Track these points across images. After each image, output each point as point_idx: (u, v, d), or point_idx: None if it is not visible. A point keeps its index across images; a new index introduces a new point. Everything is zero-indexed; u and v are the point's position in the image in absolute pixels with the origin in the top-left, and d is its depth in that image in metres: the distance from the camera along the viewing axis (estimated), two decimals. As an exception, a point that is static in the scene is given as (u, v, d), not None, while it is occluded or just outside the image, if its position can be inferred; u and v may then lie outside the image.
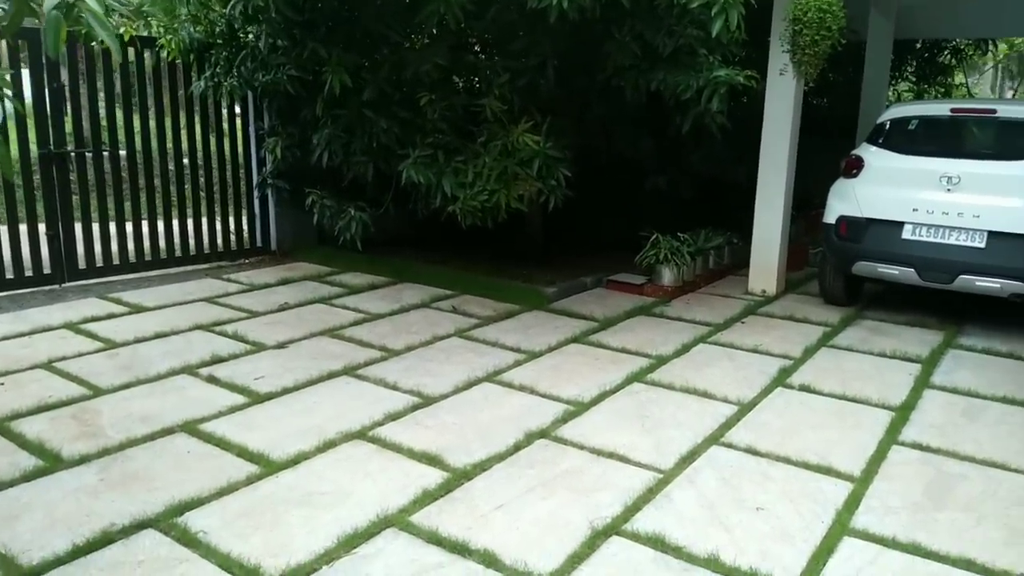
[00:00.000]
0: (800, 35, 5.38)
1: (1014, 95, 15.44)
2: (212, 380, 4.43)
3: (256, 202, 7.74)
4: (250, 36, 6.56)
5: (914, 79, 11.31)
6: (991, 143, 5.80)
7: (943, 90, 11.33)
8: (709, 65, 5.24)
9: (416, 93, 5.91)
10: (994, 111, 5.71)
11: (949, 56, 10.83)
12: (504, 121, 5.84)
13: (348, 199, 6.65)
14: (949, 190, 5.59)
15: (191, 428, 3.79)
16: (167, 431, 3.77)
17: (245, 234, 7.72)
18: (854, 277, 6.25)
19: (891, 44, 9.33)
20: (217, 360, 4.76)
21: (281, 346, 5.07)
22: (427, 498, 3.15)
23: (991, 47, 10.72)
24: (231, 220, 7.58)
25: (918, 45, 10.88)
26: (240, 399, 4.16)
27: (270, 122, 7.40)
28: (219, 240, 7.50)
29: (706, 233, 7.45)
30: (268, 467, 3.38)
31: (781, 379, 4.73)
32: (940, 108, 6.06)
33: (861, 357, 5.21)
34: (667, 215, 8.41)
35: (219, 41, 6.71)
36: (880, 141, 6.17)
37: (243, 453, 3.51)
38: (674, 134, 7.36)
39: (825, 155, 8.18)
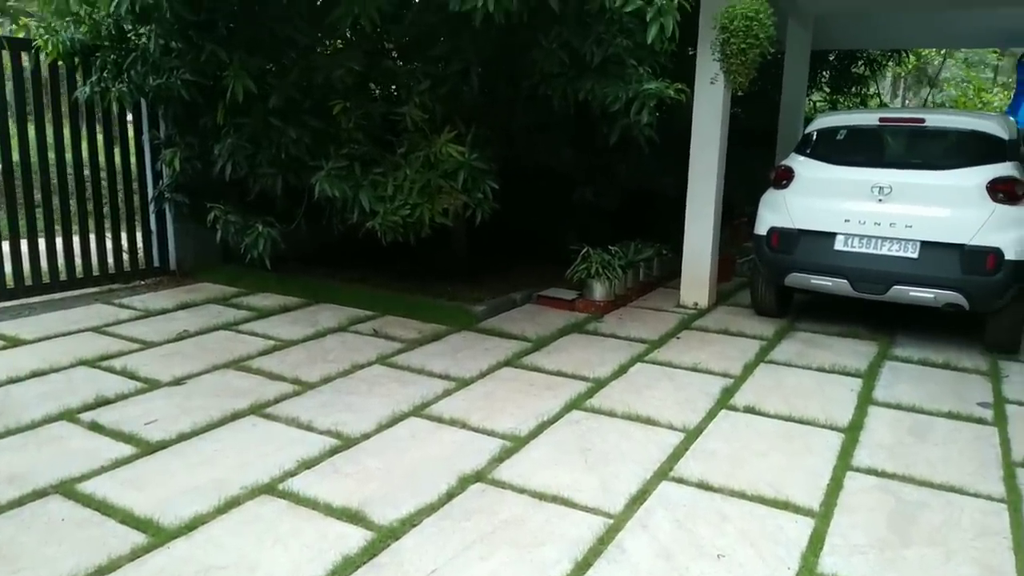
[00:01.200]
0: (728, 44, 5.21)
1: (905, 103, 15.96)
2: (95, 427, 3.85)
3: (152, 218, 7.09)
4: (142, 38, 5.95)
5: (828, 89, 11.52)
6: (921, 153, 5.78)
7: (859, 99, 11.60)
8: (639, 76, 5.00)
9: (329, 101, 5.45)
10: (923, 120, 5.69)
11: (864, 66, 11.07)
12: (426, 131, 5.46)
13: (255, 214, 6.11)
14: (881, 200, 5.52)
15: (68, 489, 3.24)
16: (39, 494, 3.20)
17: (140, 253, 7.05)
18: (786, 288, 6.14)
19: (808, 54, 9.42)
20: (103, 402, 4.18)
21: (178, 382, 4.52)
22: (348, 566, 2.72)
23: (904, 57, 11.02)
24: (124, 238, 6.90)
25: (832, 56, 11.08)
26: (127, 450, 3.61)
27: (167, 131, 6.78)
28: (110, 260, 6.81)
29: (636, 245, 7.24)
30: (157, 536, 2.88)
31: (724, 400, 4.50)
32: (868, 118, 6.01)
33: (800, 372, 5.05)
34: (595, 226, 8.20)
35: (106, 43, 6.07)
36: (808, 151, 6.09)
37: (128, 519, 2.99)
38: (601, 144, 7.14)
39: (747, 164, 8.14)
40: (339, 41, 5.51)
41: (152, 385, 4.48)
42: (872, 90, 12.00)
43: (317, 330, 5.63)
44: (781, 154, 9.60)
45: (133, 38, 6.14)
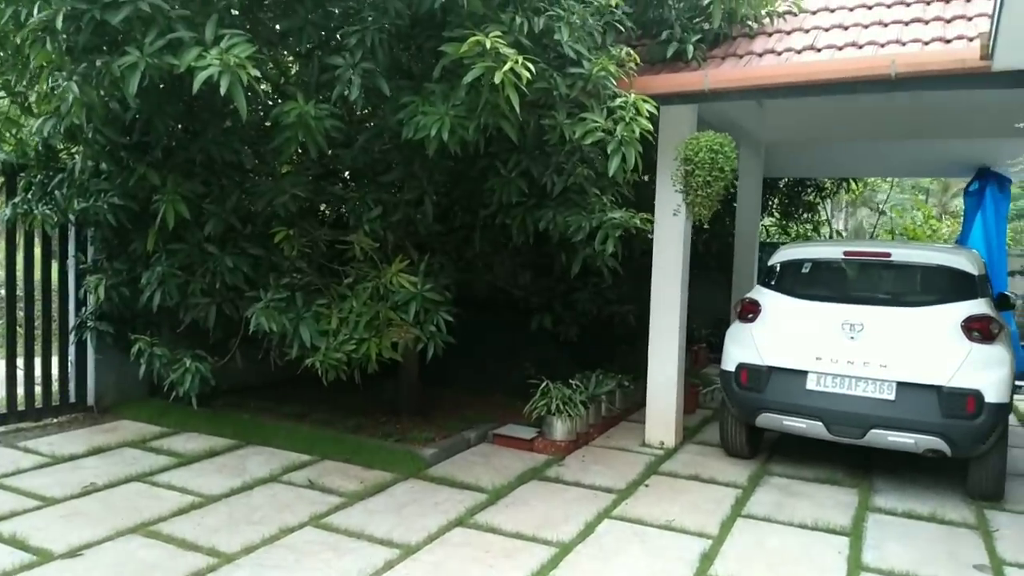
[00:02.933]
0: (692, 176, 5.05)
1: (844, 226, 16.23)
2: (-45, 626, 3.17)
3: (72, 348, 6.47)
4: (74, 158, 5.56)
5: (779, 215, 11.67)
6: (889, 288, 5.60)
7: (811, 226, 11.76)
8: (602, 205, 4.77)
9: (271, 227, 5.07)
10: (888, 254, 5.54)
11: (813, 193, 11.27)
12: (376, 260, 5.09)
13: (186, 346, 5.57)
14: (852, 338, 5.27)
15: None
16: None
17: (56, 386, 6.38)
18: (757, 427, 5.77)
19: (761, 181, 9.49)
20: (-26, 585, 3.49)
21: (73, 554, 3.84)
22: None
23: (852, 184, 11.28)
24: (38, 369, 6.24)
25: (782, 183, 11.27)
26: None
27: (94, 256, 6.28)
28: (19, 394, 6.12)
29: (597, 377, 6.85)
30: None
31: (704, 570, 4.00)
32: (832, 250, 5.87)
33: (782, 530, 4.59)
34: (554, 355, 7.83)
35: (32, 163, 5.66)
36: (773, 284, 5.88)
37: None
38: (560, 271, 6.88)
39: (704, 289, 7.97)
40: (284, 165, 5.19)
41: (42, 558, 3.80)
42: (824, 216, 12.22)
43: (244, 481, 5.00)
44: (738, 279, 9.52)
45: (64, 157, 5.75)
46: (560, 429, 6.08)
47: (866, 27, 5.42)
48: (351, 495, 4.85)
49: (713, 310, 9.80)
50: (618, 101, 4.28)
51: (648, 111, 4.29)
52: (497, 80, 3.60)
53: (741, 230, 9.50)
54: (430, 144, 4.10)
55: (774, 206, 11.49)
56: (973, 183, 9.27)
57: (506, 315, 7.80)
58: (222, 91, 3.53)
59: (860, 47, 5.13)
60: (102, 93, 4.33)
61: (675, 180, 5.16)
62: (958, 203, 16.21)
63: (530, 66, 3.72)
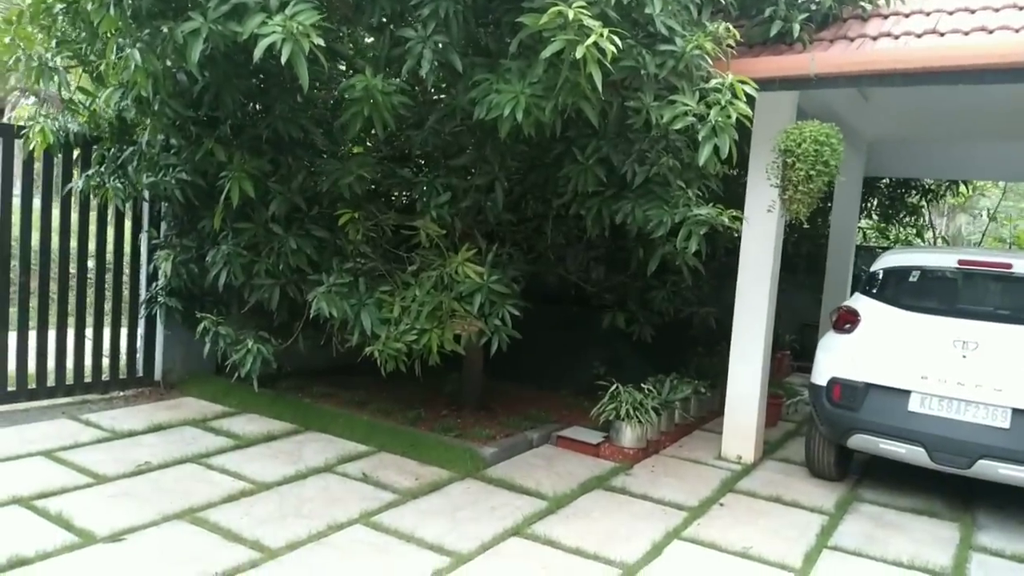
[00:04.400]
0: (793, 169, 4.56)
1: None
2: (-13, 607, 3.07)
3: (142, 323, 6.47)
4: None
5: (878, 217, 10.89)
6: (1010, 303, 4.99)
7: (915, 230, 10.93)
8: (686, 200, 4.35)
9: (336, 209, 4.87)
10: (1009, 265, 4.93)
11: (918, 196, 10.45)
12: (442, 247, 4.82)
13: (251, 327, 5.46)
14: (964, 356, 4.71)
15: None
16: None
17: (124, 361, 6.40)
18: (847, 448, 5.27)
19: (861, 180, 8.82)
20: (18, 563, 3.40)
21: (115, 538, 3.73)
22: None
23: (961, 187, 10.41)
24: (106, 343, 6.26)
25: (884, 183, 10.50)
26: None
27: (166, 231, 6.26)
28: (88, 367, 6.15)
29: (671, 382, 6.43)
30: None
31: (785, 609, 3.59)
32: (945, 259, 5.28)
33: (874, 568, 4.12)
34: (623, 356, 7.43)
35: (106, 135, 5.63)
36: (875, 292, 5.34)
37: None
38: (636, 268, 6.48)
39: (790, 292, 7.42)
40: (353, 146, 4.99)
41: (84, 540, 3.69)
42: (926, 220, 11.34)
43: (298, 470, 4.84)
44: (831, 284, 8.89)
45: (139, 131, 5.71)
46: (629, 435, 5.71)
47: (997, 11, 4.80)
48: (405, 492, 4.62)
49: (799, 315, 9.20)
50: (713, 83, 3.86)
51: (747, 94, 3.85)
52: (579, 55, 3.25)
53: (836, 231, 8.85)
54: (503, 125, 3.79)
55: (873, 207, 10.71)
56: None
57: (576, 311, 7.46)
58: (283, 59, 3.30)
59: (990, 32, 4.54)
60: (168, 63, 4.20)
61: (771, 173, 4.69)
62: None
63: (616, 40, 3.35)
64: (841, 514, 4.88)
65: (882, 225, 11.14)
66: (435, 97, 5.05)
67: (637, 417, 5.68)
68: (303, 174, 4.92)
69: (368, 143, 5.17)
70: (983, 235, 12.57)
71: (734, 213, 4.34)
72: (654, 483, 5.19)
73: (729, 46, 4.19)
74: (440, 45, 3.90)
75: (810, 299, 9.23)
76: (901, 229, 11.03)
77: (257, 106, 5.09)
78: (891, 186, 10.42)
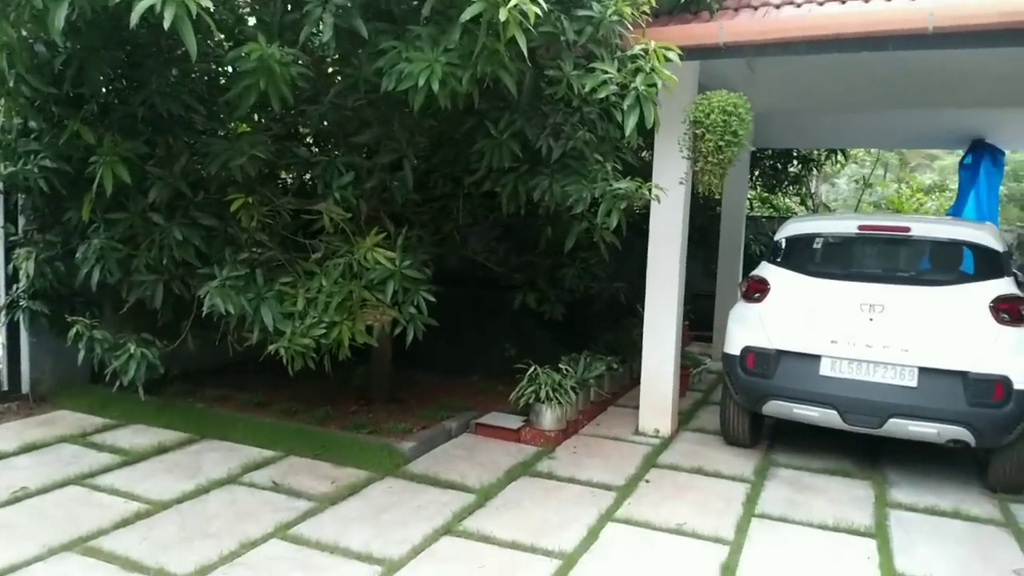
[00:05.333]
0: (703, 140, 4.51)
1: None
2: None
3: (2, 331, 5.75)
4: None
5: (762, 187, 11.24)
6: (910, 265, 5.18)
7: (798, 199, 11.36)
8: (604, 174, 4.21)
9: (226, 194, 4.43)
10: (907, 229, 5.11)
11: (799, 165, 10.85)
12: (348, 232, 4.48)
13: (131, 328, 4.93)
14: (871, 319, 4.84)
15: None
16: None
17: (-17, 373, 5.68)
18: (759, 414, 5.35)
19: (749, 152, 9.01)
20: None
21: (-9, 583, 3.24)
22: None
23: (839, 156, 10.89)
24: (-39, 356, 5.54)
25: (767, 154, 10.84)
26: None
27: (25, 226, 5.56)
28: (-61, 384, 5.41)
29: (585, 360, 6.35)
30: None
31: (729, 585, 3.55)
32: (845, 225, 5.42)
33: (802, 533, 4.17)
34: (533, 336, 7.31)
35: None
36: (781, 260, 5.42)
37: None
38: (545, 246, 6.34)
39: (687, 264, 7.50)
40: (242, 124, 4.55)
41: (-49, 587, 3.18)
42: (806, 189, 11.81)
43: (199, 484, 4.40)
44: (724, 254, 9.08)
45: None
46: (549, 418, 5.58)
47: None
48: (322, 499, 4.29)
49: (692, 285, 9.34)
50: (636, 49, 3.71)
51: (669, 59, 3.73)
52: (502, 18, 3.01)
53: (728, 203, 9.04)
54: (416, 97, 3.49)
55: (755, 178, 11.06)
56: (967, 156, 8.93)
57: (483, 293, 7.26)
58: (166, 24, 2.88)
59: (889, -1, 4.63)
60: (23, 32, 3.64)
61: (682, 145, 4.63)
62: (917, 177, 15.98)
63: (541, 2, 3.13)
64: (761, 481, 4.94)
65: (765, 195, 11.53)
66: (331, 72, 4.67)
67: (557, 398, 5.56)
68: (185, 156, 4.45)
69: (258, 120, 4.72)
70: (858, 202, 13.28)
71: (651, 185, 4.22)
72: (578, 465, 5.08)
73: (644, 13, 4.05)
74: (341, 10, 3.55)
75: (702, 270, 9.41)
76: (784, 198, 11.44)
77: (127, 81, 4.54)
78: (773, 157, 10.78)
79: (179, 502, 4.15)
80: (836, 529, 4.23)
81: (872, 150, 13.39)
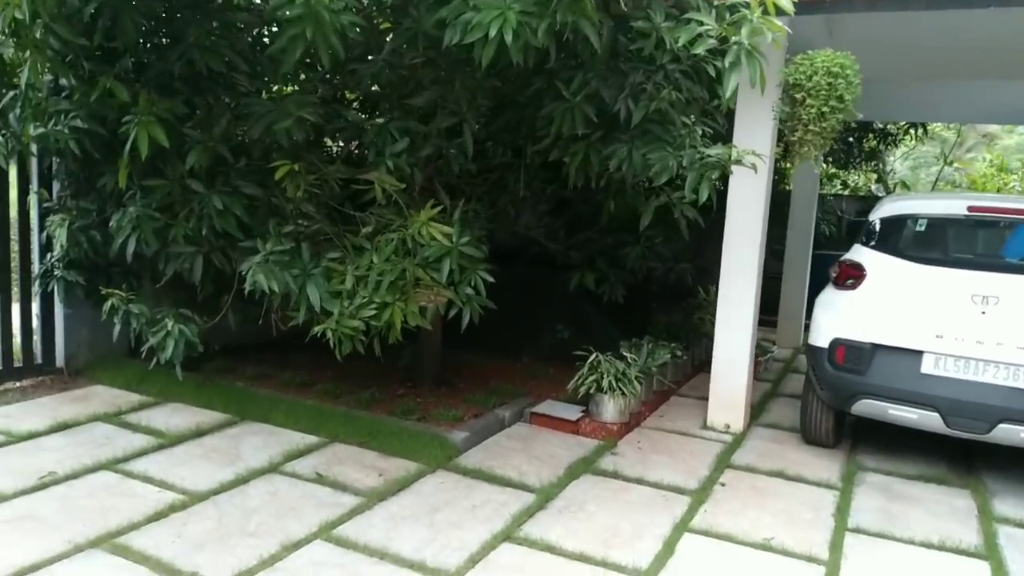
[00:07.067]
0: (803, 106, 3.98)
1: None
2: None
3: (37, 300, 5.50)
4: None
5: (832, 163, 10.55)
6: (1027, 253, 4.60)
7: (876, 175, 10.65)
8: (693, 139, 3.71)
9: (270, 161, 4.04)
10: (1024, 211, 4.53)
11: (876, 140, 10.13)
12: (401, 204, 4.07)
13: (169, 302, 4.62)
14: (984, 312, 4.30)
15: None
16: None
17: (17, 345, 5.43)
18: (844, 412, 4.86)
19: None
20: None
21: (10, 585, 2.94)
22: None
23: (919, 131, 10.13)
24: (-5, 326, 5.29)
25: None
26: None
27: (59, 192, 5.27)
28: (-29, 355, 5.18)
29: (649, 346, 5.89)
30: None
31: (829, 614, 3.11)
32: (953, 205, 4.84)
33: (905, 552, 3.70)
34: (587, 318, 6.87)
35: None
36: (878, 244, 4.88)
37: None
38: (606, 222, 5.87)
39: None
40: (288, 85, 4.15)
41: (-33, 588, 2.89)
42: (889, 167, 11.05)
43: (238, 472, 4.08)
44: (794, 235, 8.48)
45: (19, 72, 4.68)
46: (611, 409, 5.15)
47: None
48: (369, 494, 3.93)
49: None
50: (734, -1, 3.21)
51: (781, 10, 3.21)
52: (590, -46, 2.55)
53: (799, 180, 8.42)
54: (486, 51, 3.04)
55: (825, 153, 10.34)
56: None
57: (535, 271, 6.81)
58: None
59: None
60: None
61: (777, 111, 4.11)
62: (972, 157, 15.05)
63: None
64: (850, 487, 4.46)
65: (835, 171, 10.82)
66: (384, 25, 4.23)
67: (620, 389, 5.13)
68: (227, 118, 4.06)
69: (305, 80, 4.31)
70: (935, 180, 12.47)
71: (752, 151, 3.71)
72: (645, 463, 4.66)
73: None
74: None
75: (768, 251, 8.82)
76: (859, 175, 10.73)
77: (164, 34, 4.16)
78: (847, 131, 10.09)
79: (216, 493, 3.83)
80: (942, 548, 3.75)
81: (950, 125, 12.51)
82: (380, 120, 4.08)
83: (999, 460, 4.88)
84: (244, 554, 3.24)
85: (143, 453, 4.30)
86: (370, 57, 3.97)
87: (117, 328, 4.62)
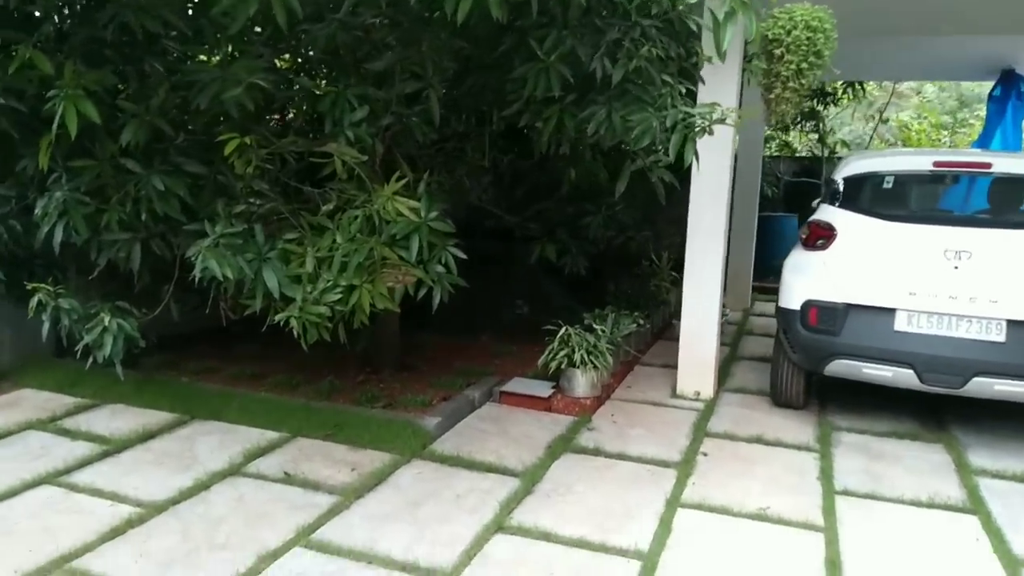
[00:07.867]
0: (781, 62, 3.86)
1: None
2: None
3: (-50, 299, 4.95)
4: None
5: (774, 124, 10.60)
6: (996, 207, 4.63)
7: (817, 135, 10.75)
8: (675, 98, 3.53)
9: (215, 135, 3.67)
10: (989, 165, 4.54)
11: (815, 100, 10.20)
12: (364, 178, 3.76)
13: (103, 295, 4.19)
14: (956, 267, 4.30)
15: None
16: None
17: (-71, 350, 4.90)
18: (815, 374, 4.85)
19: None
20: None
21: (-49, 628, 2.58)
22: None
23: (857, 89, 10.25)
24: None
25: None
26: None
27: (-29, 177, 4.72)
28: None
29: (614, 316, 5.75)
30: None
31: (839, 583, 3.04)
32: (918, 161, 4.83)
33: (896, 512, 3.69)
34: (543, 290, 6.71)
35: None
36: (845, 203, 4.83)
37: None
38: (566, 192, 5.69)
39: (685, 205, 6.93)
40: (232, 50, 3.76)
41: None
42: (830, 126, 11.18)
43: (197, 478, 3.74)
44: (740, 195, 8.46)
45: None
46: (583, 383, 5.01)
47: None
48: (344, 491, 3.67)
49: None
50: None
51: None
52: None
53: (743, 140, 8.39)
54: (461, 5, 2.76)
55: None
56: (996, 87, 8.39)
57: (491, 244, 6.58)
58: None
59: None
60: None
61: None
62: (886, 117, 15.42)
63: None
64: (828, 449, 4.45)
65: (772, 132, 10.88)
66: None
67: (592, 362, 4.98)
68: (165, 88, 3.65)
69: (248, 43, 3.91)
70: (870, 138, 12.73)
71: (732, 109, 3.55)
72: (623, 437, 4.53)
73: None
74: None
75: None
76: (804, 136, 10.80)
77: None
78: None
79: (176, 503, 3.50)
80: (931, 506, 3.76)
81: (882, 85, 12.76)
82: (336, 87, 3.74)
83: (967, 412, 4.95)
84: (217, 570, 2.95)
85: (87, 463, 3.90)
86: (325, 18, 3.62)
87: (46, 326, 4.17)
